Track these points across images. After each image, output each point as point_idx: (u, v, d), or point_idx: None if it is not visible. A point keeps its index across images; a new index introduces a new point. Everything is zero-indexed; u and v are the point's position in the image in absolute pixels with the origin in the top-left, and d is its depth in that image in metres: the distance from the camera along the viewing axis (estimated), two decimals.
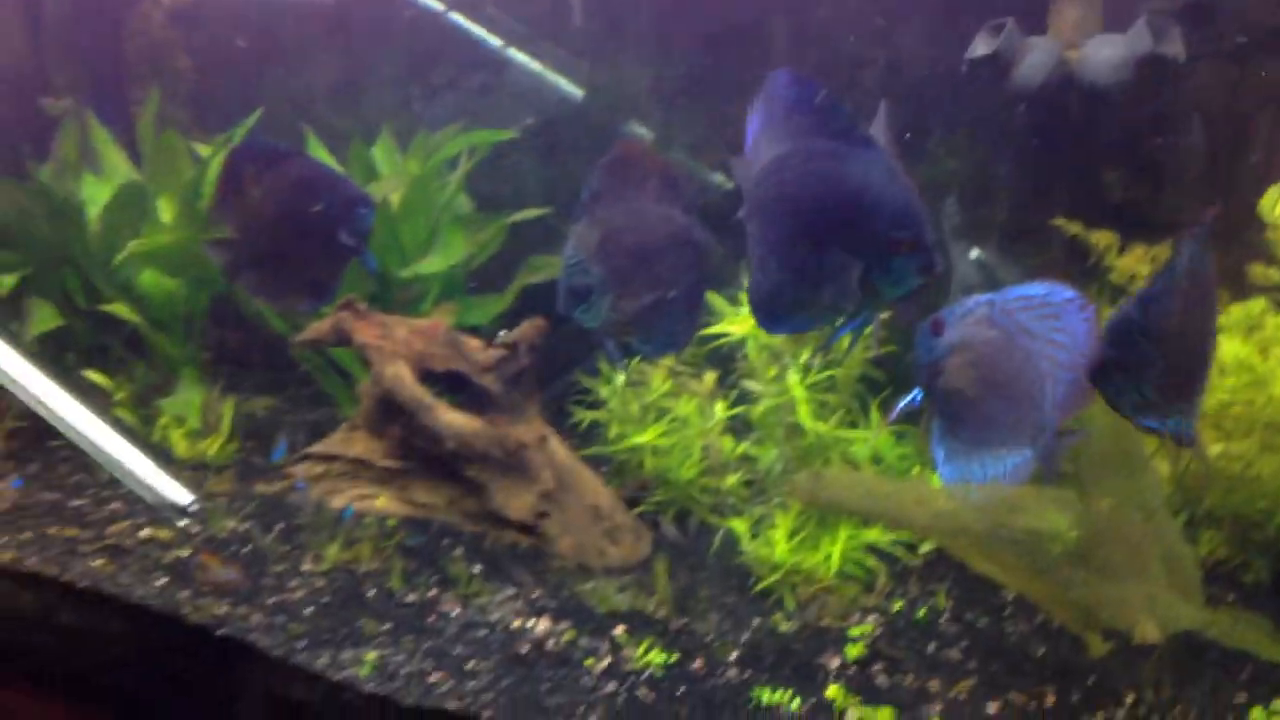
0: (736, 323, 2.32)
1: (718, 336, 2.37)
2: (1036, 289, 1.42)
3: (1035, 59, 2.06)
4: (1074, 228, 2.10)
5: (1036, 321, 1.41)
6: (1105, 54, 2.00)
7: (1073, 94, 2.07)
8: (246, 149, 1.64)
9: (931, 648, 1.97)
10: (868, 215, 1.41)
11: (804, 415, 2.19)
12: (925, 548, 2.19)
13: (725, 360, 2.45)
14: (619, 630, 2.00)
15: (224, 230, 1.66)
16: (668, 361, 2.46)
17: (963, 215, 2.43)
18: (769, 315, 1.56)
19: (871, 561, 2.13)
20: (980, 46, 2.12)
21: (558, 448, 2.38)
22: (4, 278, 2.53)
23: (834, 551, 2.09)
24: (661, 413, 2.40)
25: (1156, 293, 1.34)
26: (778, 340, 2.32)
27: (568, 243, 1.61)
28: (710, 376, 2.45)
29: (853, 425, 2.30)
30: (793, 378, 2.28)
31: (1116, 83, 1.99)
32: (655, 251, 1.65)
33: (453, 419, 2.32)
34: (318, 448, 2.46)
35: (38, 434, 2.62)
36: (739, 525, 2.18)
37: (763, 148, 1.51)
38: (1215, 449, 1.92)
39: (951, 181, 2.44)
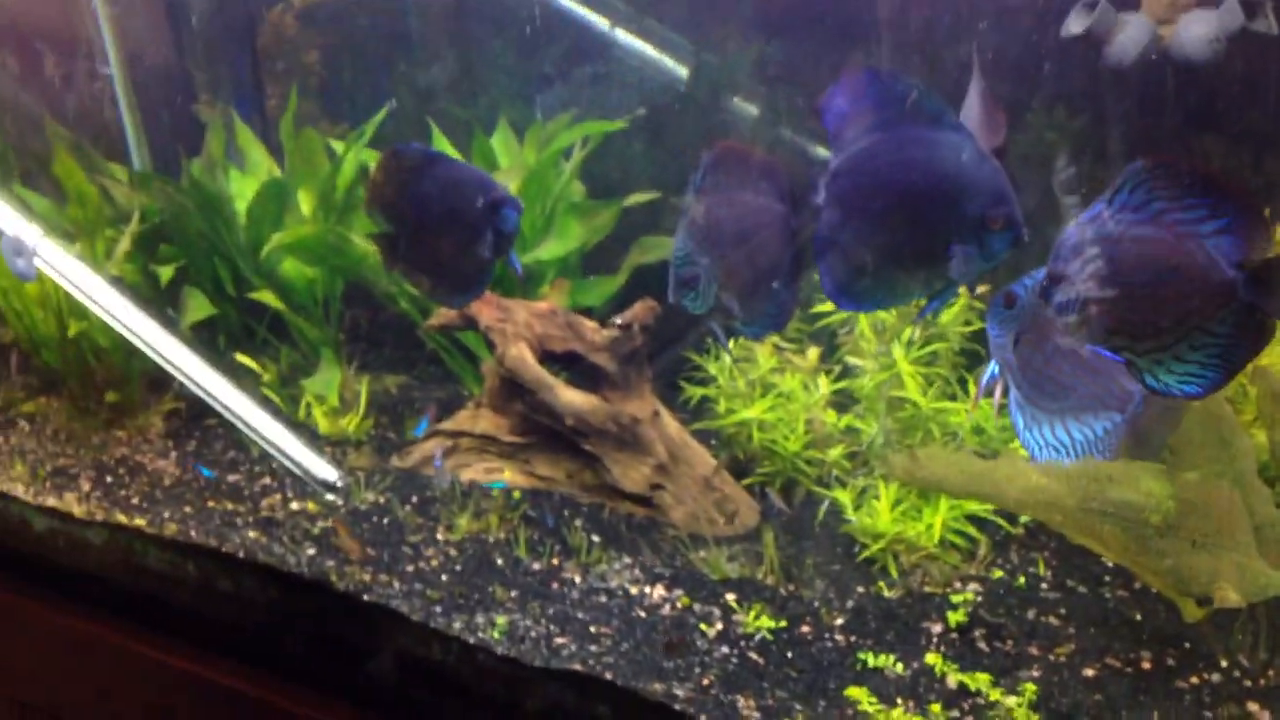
0: None
1: (824, 315, 2.48)
2: None
3: (1129, 35, 2.10)
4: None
5: None
6: (1198, 30, 2.02)
7: (1168, 69, 2.10)
8: (401, 152, 1.76)
9: (1031, 614, 2.05)
10: (963, 197, 1.49)
11: (912, 390, 2.27)
12: (1025, 518, 2.26)
13: (827, 335, 2.55)
14: (730, 597, 2.13)
15: (380, 225, 1.78)
16: (772, 338, 2.57)
17: (1076, 170, 2.45)
18: (852, 297, 1.65)
19: (972, 530, 2.22)
20: (1074, 24, 2.15)
21: (669, 422, 2.52)
22: (163, 269, 2.76)
23: (935, 521, 2.19)
24: (768, 388, 2.51)
25: (1090, 215, 1.29)
26: (884, 316, 2.41)
27: (676, 235, 1.73)
28: (814, 352, 2.55)
29: (952, 398, 2.39)
30: (897, 352, 2.36)
31: (1210, 58, 2.01)
32: (755, 241, 1.75)
33: (571, 397, 2.47)
34: (447, 425, 2.64)
35: (194, 414, 2.86)
36: (843, 496, 2.28)
37: (847, 138, 1.59)
38: None
39: (1052, 151, 2.47)
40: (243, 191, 2.90)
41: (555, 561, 2.29)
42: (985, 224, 1.48)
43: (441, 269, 1.81)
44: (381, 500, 2.52)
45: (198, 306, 2.74)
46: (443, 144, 2.86)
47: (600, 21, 3.29)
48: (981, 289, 2.22)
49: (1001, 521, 2.27)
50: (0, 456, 2.78)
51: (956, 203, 1.50)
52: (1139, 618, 2.01)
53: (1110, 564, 2.16)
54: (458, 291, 1.85)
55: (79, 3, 3.03)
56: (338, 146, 2.89)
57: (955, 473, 1.78)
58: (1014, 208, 1.45)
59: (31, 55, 3.18)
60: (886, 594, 2.12)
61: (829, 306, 2.45)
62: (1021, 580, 2.14)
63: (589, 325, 2.55)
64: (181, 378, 2.44)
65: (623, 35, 3.25)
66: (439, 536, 2.38)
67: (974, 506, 2.20)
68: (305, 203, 2.85)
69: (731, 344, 2.55)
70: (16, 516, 2.62)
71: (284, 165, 2.97)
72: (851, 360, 2.40)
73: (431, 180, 1.73)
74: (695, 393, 2.60)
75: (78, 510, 2.52)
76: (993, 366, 1.64)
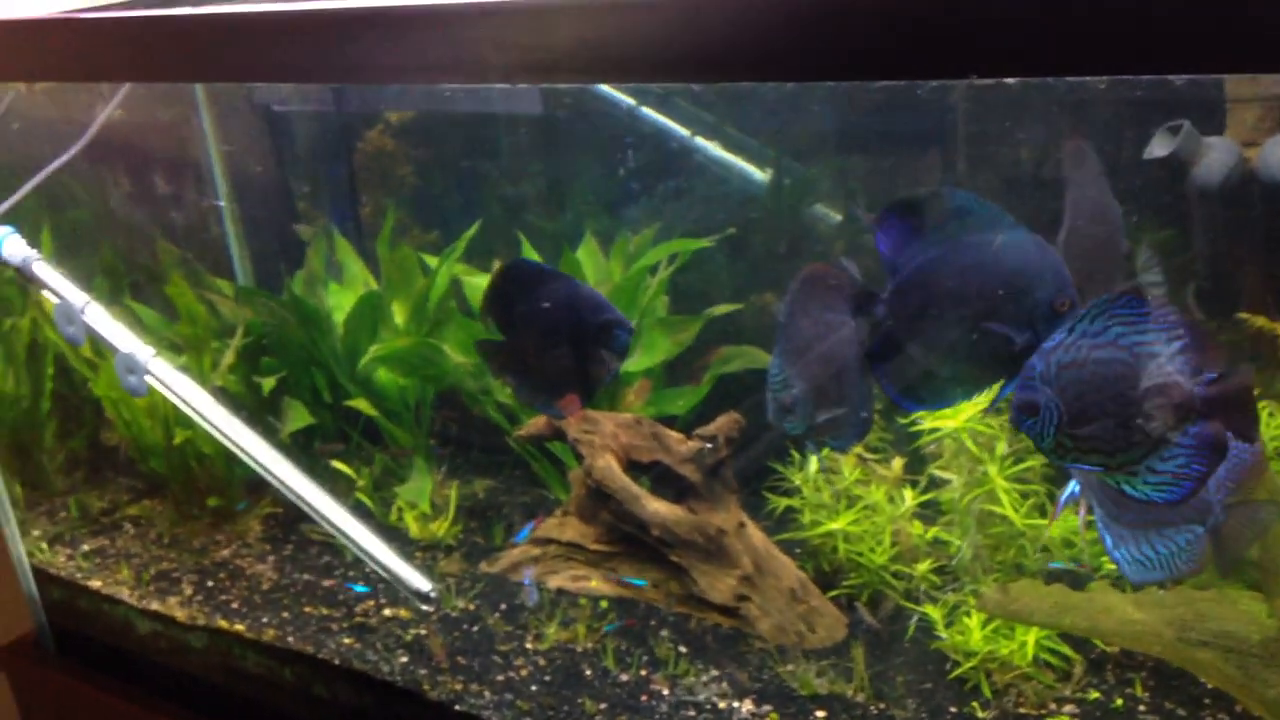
0: (943, 417, 2.42)
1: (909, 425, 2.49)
2: None
3: (1215, 158, 2.11)
4: (1259, 320, 2.13)
5: None
6: None
7: (1254, 190, 2.11)
8: (520, 265, 1.83)
9: None
10: (1031, 289, 1.54)
11: (1006, 505, 2.27)
12: None
13: (908, 443, 2.55)
14: (820, 714, 2.13)
15: (491, 332, 1.83)
16: (856, 448, 2.58)
17: (1161, 263, 2.46)
18: (920, 399, 1.70)
19: (1067, 650, 2.19)
20: (1158, 147, 2.18)
21: (754, 533, 2.53)
22: (265, 380, 2.88)
23: (1029, 640, 2.17)
24: (853, 500, 2.52)
25: (1053, 344, 1.38)
26: (977, 427, 2.42)
27: (772, 360, 1.79)
28: (898, 463, 2.56)
29: (1041, 511, 2.37)
30: (992, 469, 2.36)
31: None
32: (841, 360, 1.81)
33: (658, 507, 2.51)
34: (535, 532, 2.69)
35: (291, 518, 2.95)
36: (933, 612, 2.28)
37: (902, 260, 1.66)
38: None
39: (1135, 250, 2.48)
40: (340, 303, 3.02)
41: (643, 673, 2.31)
42: (1052, 309, 1.52)
43: (548, 382, 1.86)
44: (471, 607, 2.56)
45: (297, 416, 2.84)
46: (531, 255, 2.96)
47: (681, 130, 3.38)
48: None
49: (1096, 640, 2.23)
50: (107, 559, 2.88)
51: (1023, 292, 1.55)
52: None
53: (1210, 686, 2.11)
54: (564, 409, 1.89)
55: (189, 126, 3.20)
56: (430, 260, 3.00)
57: (1048, 605, 1.78)
58: (1074, 290, 1.50)
59: (143, 174, 3.36)
60: (980, 715, 2.10)
61: (934, 423, 2.46)
62: (1119, 702, 2.11)
63: (674, 436, 2.59)
64: (276, 484, 2.51)
65: (703, 143, 3.34)
66: (528, 645, 2.42)
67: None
68: (399, 314, 2.95)
69: (815, 457, 2.57)
70: (121, 619, 2.71)
71: (379, 277, 3.09)
72: (939, 473, 2.41)
73: (547, 295, 1.79)
74: (780, 503, 2.62)
75: (180, 614, 2.61)
76: (1073, 485, 1.65)
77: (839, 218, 3.12)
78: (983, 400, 2.08)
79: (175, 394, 2.44)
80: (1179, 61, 1.09)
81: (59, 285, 2.36)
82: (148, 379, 2.38)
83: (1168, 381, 1.32)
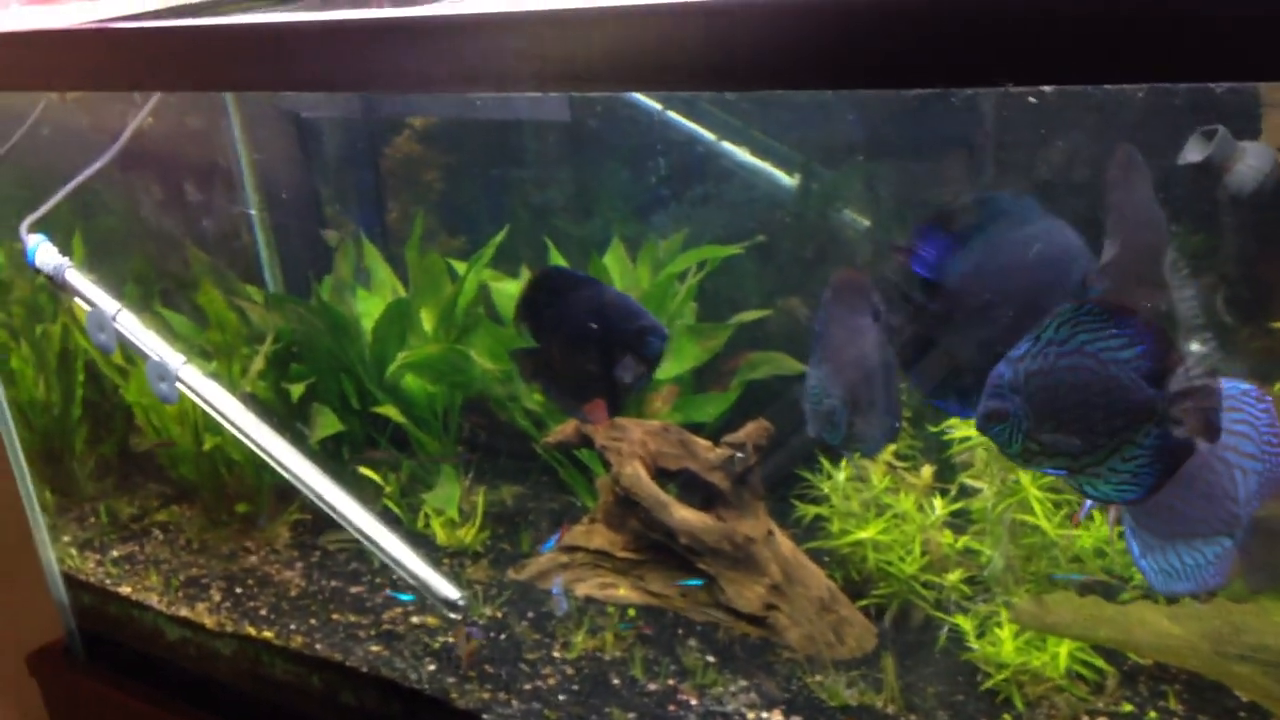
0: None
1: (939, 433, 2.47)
2: None
3: (1250, 163, 2.08)
4: None
5: None
6: None
7: None
8: (555, 272, 1.82)
9: None
10: (1071, 272, 1.54)
11: (1040, 517, 2.25)
12: None
13: (938, 449, 2.53)
14: None
15: (525, 339, 1.83)
16: (885, 456, 2.56)
17: (1190, 265, 2.43)
18: (964, 402, 1.69)
19: (1099, 662, 2.17)
20: (1192, 152, 2.14)
21: (783, 542, 2.52)
22: (294, 387, 2.88)
23: (1061, 652, 2.14)
24: (882, 509, 2.50)
25: (1021, 353, 1.43)
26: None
27: (808, 370, 1.79)
28: (927, 470, 2.54)
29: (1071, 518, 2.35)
30: (1024, 477, 2.33)
31: None
32: (875, 368, 1.80)
33: (686, 515, 2.49)
34: (563, 540, 2.69)
35: (318, 525, 2.96)
36: (964, 623, 2.25)
37: (950, 266, 1.65)
38: None
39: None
40: (368, 309, 3.02)
41: (671, 682, 2.29)
42: (1084, 284, 1.53)
43: (580, 388, 1.86)
44: (499, 615, 2.55)
45: (327, 423, 2.85)
46: (559, 260, 2.95)
47: (708, 134, 3.37)
48: None
49: (1129, 652, 2.21)
50: (136, 565, 2.90)
51: (1060, 275, 1.55)
52: None
53: (1245, 699, 2.08)
54: (594, 415, 1.89)
55: (219, 132, 3.22)
56: (458, 266, 3.00)
57: (1084, 618, 1.76)
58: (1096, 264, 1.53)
59: (172, 181, 3.38)
60: None
61: (965, 433, 2.44)
62: (1152, 715, 2.08)
63: (702, 444, 2.58)
64: (305, 491, 2.51)
65: (730, 147, 3.32)
66: (555, 654, 2.41)
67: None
68: (427, 321, 2.95)
69: (844, 464, 2.56)
70: (150, 625, 2.72)
71: (407, 282, 3.09)
72: (971, 482, 2.38)
73: (581, 301, 1.79)
74: (808, 511, 2.60)
75: (209, 621, 2.62)
76: None
77: (867, 223, 3.11)
78: None
79: (206, 401, 2.45)
80: (1231, 71, 1.07)
81: (91, 293, 2.38)
82: (179, 386, 2.39)
83: (1131, 386, 1.37)
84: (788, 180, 3.26)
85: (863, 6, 1.19)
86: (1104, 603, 1.80)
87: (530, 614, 2.56)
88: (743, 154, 3.35)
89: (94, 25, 1.92)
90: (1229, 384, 1.45)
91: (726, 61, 1.30)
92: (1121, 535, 2.34)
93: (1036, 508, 2.26)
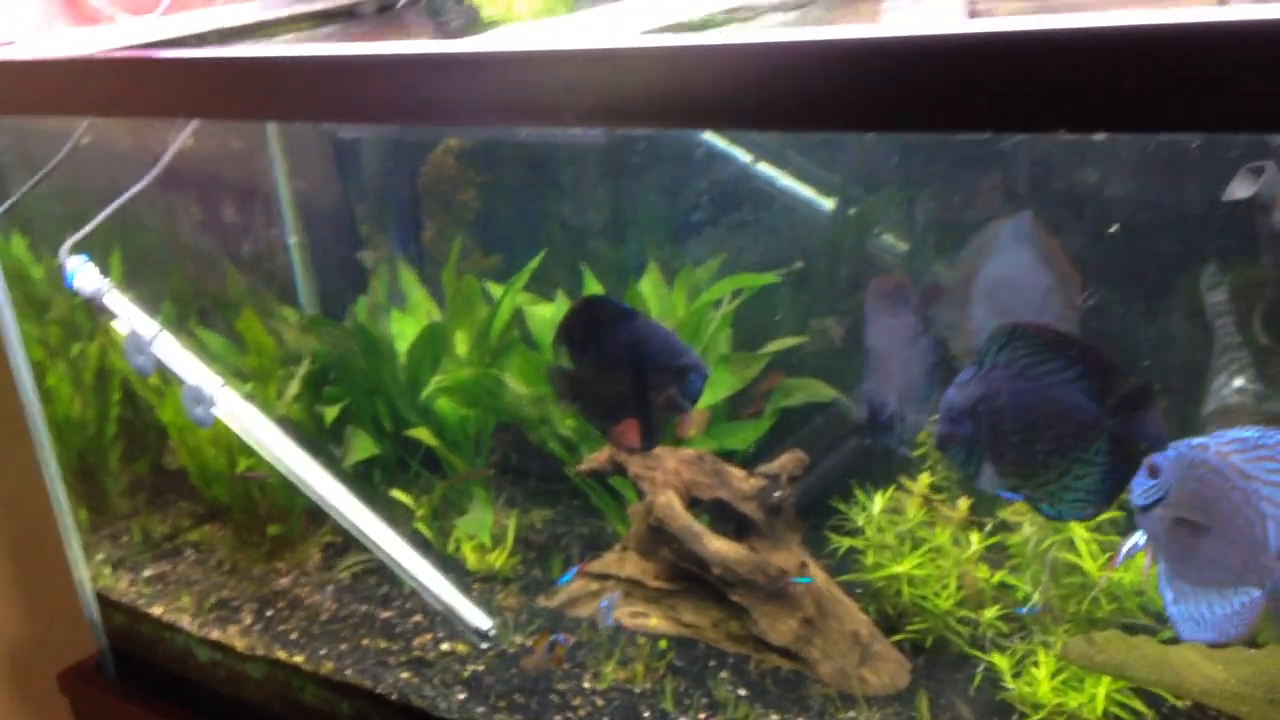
0: None
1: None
2: (1249, 432, 1.46)
3: None
4: None
5: (1252, 464, 1.44)
6: None
7: None
8: (599, 301, 1.83)
9: None
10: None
11: (1085, 557, 2.21)
12: None
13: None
14: None
15: (565, 361, 1.84)
16: (921, 489, 2.54)
17: (1222, 277, 2.40)
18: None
19: (1138, 704, 2.13)
20: (1239, 189, 2.11)
21: (817, 574, 2.49)
22: (328, 409, 2.89)
23: (1099, 693, 2.11)
24: (918, 542, 2.47)
25: (966, 378, 1.49)
26: None
27: (865, 386, 1.79)
28: (964, 504, 2.50)
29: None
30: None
31: None
32: (918, 366, 1.83)
33: (719, 546, 2.47)
34: (594, 567, 2.67)
35: (349, 547, 2.95)
36: (1001, 661, 2.22)
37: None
38: None
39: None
40: (403, 331, 3.02)
41: (702, 716, 2.27)
42: None
43: (616, 418, 1.86)
44: (529, 643, 2.54)
45: (361, 446, 2.85)
46: (594, 286, 2.95)
47: (745, 157, 3.35)
48: None
49: (1165, 693, 2.17)
50: (168, 585, 2.91)
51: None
52: None
53: None
54: (633, 441, 1.89)
55: (259, 154, 3.24)
56: (494, 288, 3.00)
57: (1135, 659, 1.73)
58: None
59: (211, 201, 3.40)
60: None
61: None
62: None
63: (736, 473, 2.56)
64: (335, 515, 2.51)
65: (767, 170, 3.31)
66: (585, 685, 2.39)
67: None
68: (461, 344, 2.95)
69: (879, 495, 2.53)
70: (181, 646, 2.73)
71: (442, 303, 3.09)
72: (1011, 519, 2.35)
73: (624, 333, 1.79)
74: (842, 543, 2.57)
75: (239, 644, 2.62)
76: (1138, 537, 1.62)
77: (905, 247, 3.08)
78: None
79: (242, 428, 2.46)
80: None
81: (130, 315, 2.39)
82: (214, 411, 2.40)
83: (1075, 405, 1.43)
84: (826, 204, 3.24)
85: (911, 48, 1.18)
86: (1154, 643, 1.78)
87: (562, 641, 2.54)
88: (781, 178, 3.33)
89: (139, 54, 1.93)
90: (1269, 434, 1.44)
91: (773, 101, 1.29)
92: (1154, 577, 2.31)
93: (1082, 548, 2.23)
